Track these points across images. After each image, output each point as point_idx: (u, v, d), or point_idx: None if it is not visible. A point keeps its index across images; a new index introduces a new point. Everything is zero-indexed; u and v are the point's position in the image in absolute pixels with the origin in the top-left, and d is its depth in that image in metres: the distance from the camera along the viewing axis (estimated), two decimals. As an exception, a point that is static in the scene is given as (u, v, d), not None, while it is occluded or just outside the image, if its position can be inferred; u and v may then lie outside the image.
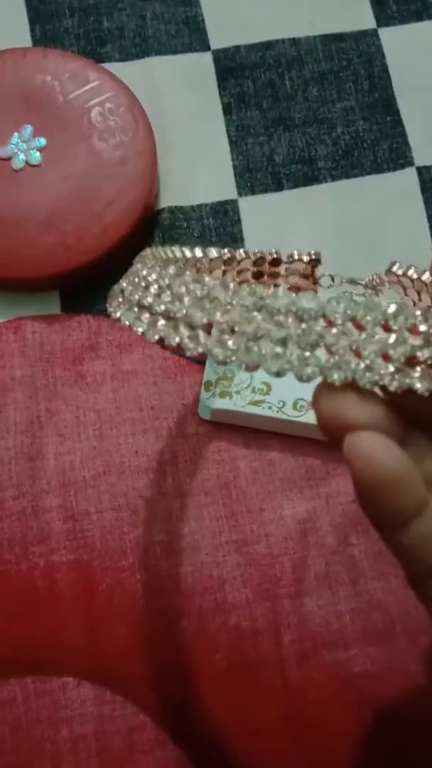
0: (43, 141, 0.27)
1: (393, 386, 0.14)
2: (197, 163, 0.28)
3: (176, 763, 0.23)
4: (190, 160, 0.29)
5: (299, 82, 0.30)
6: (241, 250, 0.22)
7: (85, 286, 0.27)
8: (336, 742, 0.23)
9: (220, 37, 0.30)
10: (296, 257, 0.23)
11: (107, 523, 0.24)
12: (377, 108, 0.29)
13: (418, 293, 0.21)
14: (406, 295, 0.22)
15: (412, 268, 0.21)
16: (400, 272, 0.22)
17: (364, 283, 0.23)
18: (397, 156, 0.29)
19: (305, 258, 0.23)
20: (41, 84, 0.28)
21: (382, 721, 0.23)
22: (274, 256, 0.23)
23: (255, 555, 0.24)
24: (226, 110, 0.29)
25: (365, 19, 0.31)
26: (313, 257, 0.23)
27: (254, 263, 0.23)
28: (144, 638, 0.23)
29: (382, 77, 0.30)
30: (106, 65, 0.29)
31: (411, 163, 0.29)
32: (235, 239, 0.28)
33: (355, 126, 0.29)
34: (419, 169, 0.29)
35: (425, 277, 0.21)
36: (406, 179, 0.29)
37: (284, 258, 0.23)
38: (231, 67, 0.30)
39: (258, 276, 0.23)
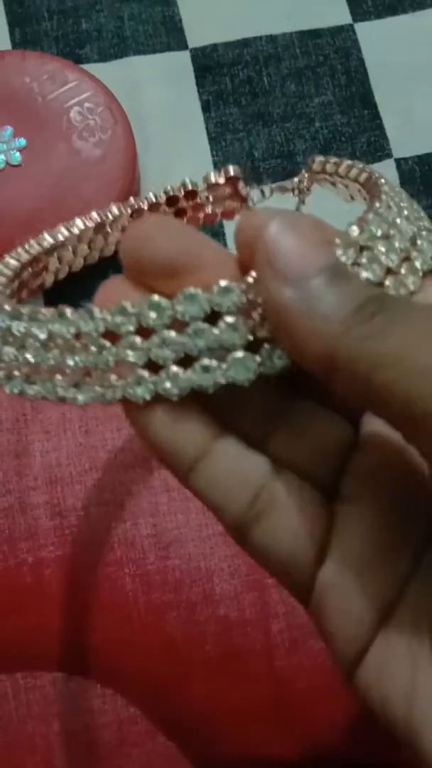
0: (23, 141, 0.27)
1: (176, 392, 0.12)
2: (177, 160, 0.29)
3: (167, 754, 0.23)
4: (169, 157, 0.29)
5: (277, 78, 0.30)
6: (150, 195, 0.21)
7: (68, 283, 0.27)
8: (325, 729, 0.23)
9: (198, 35, 0.31)
10: (213, 181, 0.21)
11: (94, 518, 0.25)
12: (354, 102, 0.30)
13: (346, 187, 0.20)
14: (336, 190, 0.20)
15: (331, 160, 0.20)
16: (319, 168, 0.20)
17: (291, 188, 0.21)
18: (376, 149, 0.29)
19: (221, 180, 0.21)
20: (20, 85, 0.28)
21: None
22: (189, 188, 0.21)
23: (242, 546, 0.24)
24: (205, 107, 0.30)
25: (341, 15, 0.31)
26: (231, 174, 0.21)
27: (168, 203, 0.21)
28: (133, 631, 0.24)
29: (359, 71, 0.30)
30: (86, 66, 0.29)
31: (389, 155, 0.29)
32: (215, 234, 0.28)
33: (333, 120, 0.30)
34: (397, 161, 0.29)
35: (343, 168, 0.19)
36: (385, 171, 0.29)
37: (200, 186, 0.21)
38: (209, 65, 0.30)
39: (180, 214, 0.21)
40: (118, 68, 0.30)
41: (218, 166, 0.29)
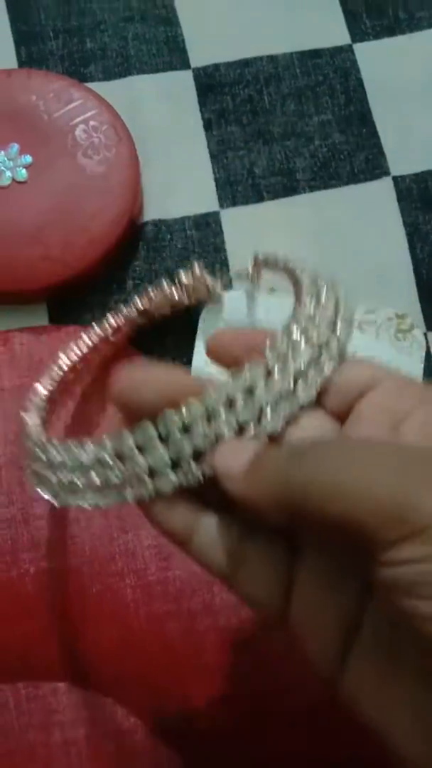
0: (29, 158, 0.28)
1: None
2: (179, 177, 0.30)
3: (169, 765, 0.23)
4: (172, 174, 0.30)
5: (277, 98, 0.31)
6: (114, 318, 0.26)
7: (72, 298, 0.28)
8: (324, 740, 0.23)
9: (200, 55, 0.32)
10: (168, 291, 0.26)
11: (96, 529, 0.25)
12: (353, 121, 0.31)
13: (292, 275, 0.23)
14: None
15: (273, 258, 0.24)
16: (264, 262, 0.25)
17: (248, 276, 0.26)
18: (373, 166, 0.30)
19: (176, 293, 0.26)
20: (26, 103, 0.29)
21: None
22: (152, 297, 0.26)
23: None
24: (207, 126, 0.31)
25: (340, 36, 0.32)
26: (182, 281, 0.26)
27: (141, 315, 0.27)
28: (133, 641, 0.24)
29: (357, 91, 0.31)
30: (90, 84, 0.30)
31: (387, 173, 0.30)
32: (217, 250, 0.29)
33: (332, 138, 0.31)
34: (395, 179, 0.30)
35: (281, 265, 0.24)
36: (383, 188, 0.30)
37: (162, 294, 0.27)
38: (211, 84, 0.31)
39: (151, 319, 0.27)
40: (121, 87, 0.31)
41: (219, 182, 0.30)
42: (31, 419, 0.22)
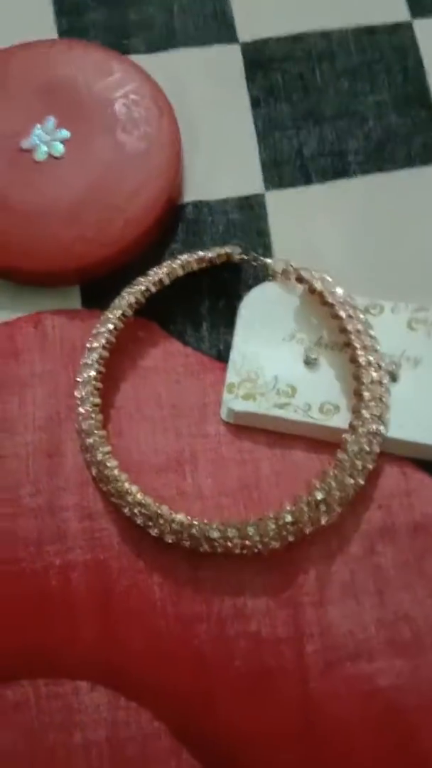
0: (66, 133, 0.27)
1: None
2: (223, 157, 0.29)
3: (191, 774, 0.22)
4: (215, 153, 0.29)
5: (330, 75, 0.30)
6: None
7: (107, 281, 0.27)
8: (357, 757, 0.22)
9: (249, 29, 0.30)
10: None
11: (125, 523, 0.24)
12: (411, 101, 0.29)
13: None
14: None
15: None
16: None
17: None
18: (431, 151, 0.29)
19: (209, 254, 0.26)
20: (65, 76, 0.28)
21: (407, 737, 0.23)
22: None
23: (276, 560, 0.24)
24: (254, 103, 0.29)
25: (399, 11, 0.31)
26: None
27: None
28: (160, 643, 0.23)
29: (417, 70, 0.30)
30: (132, 57, 0.29)
31: (445, 158, 0.29)
32: (261, 234, 0.28)
33: (387, 119, 0.29)
34: (454, 164, 0.29)
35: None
36: (440, 174, 0.28)
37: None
38: (259, 59, 0.30)
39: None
40: (164, 60, 0.30)
41: (265, 163, 0.29)
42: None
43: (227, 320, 0.27)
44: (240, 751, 0.23)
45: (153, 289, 0.25)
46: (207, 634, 0.23)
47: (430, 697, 0.23)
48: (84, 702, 0.23)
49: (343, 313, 0.24)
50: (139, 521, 0.23)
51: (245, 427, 0.26)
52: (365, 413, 0.23)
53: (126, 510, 0.24)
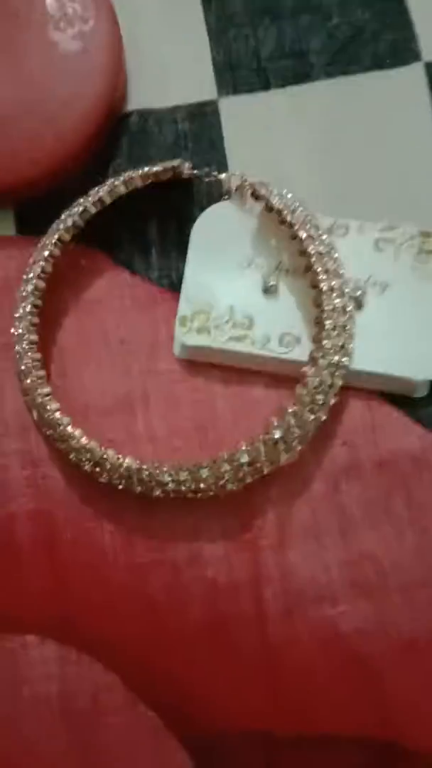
0: (-11, 32, 0.24)
1: None
2: (171, 59, 0.26)
3: (149, 725, 0.22)
4: (162, 55, 0.26)
5: (290, -38, 0.26)
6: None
7: (44, 204, 0.24)
8: (320, 703, 0.22)
9: None
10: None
11: (71, 469, 0.23)
12: (380, -8, 0.26)
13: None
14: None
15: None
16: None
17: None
18: (402, 49, 0.26)
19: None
20: (-13, -36, 0.25)
21: (372, 681, 0.22)
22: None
23: (234, 502, 0.22)
24: (205, -3, 0.26)
25: None
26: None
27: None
28: (111, 593, 0.22)
29: None
30: None
31: (417, 58, 0.26)
32: (214, 146, 0.25)
33: (353, 15, 0.26)
34: (427, 65, 0.26)
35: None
36: (412, 76, 0.26)
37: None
38: None
39: None
40: None
41: (218, 66, 0.26)
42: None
43: (179, 246, 0.24)
44: (198, 701, 0.22)
45: (92, 209, 0.23)
46: (160, 581, 0.22)
47: (395, 640, 0.22)
48: (33, 656, 0.22)
49: (303, 234, 0.22)
50: (86, 467, 0.22)
51: (200, 363, 0.24)
52: (327, 343, 0.22)
53: (72, 456, 0.22)
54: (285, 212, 0.22)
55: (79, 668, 0.22)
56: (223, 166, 0.25)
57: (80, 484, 0.23)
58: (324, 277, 0.22)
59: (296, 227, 0.22)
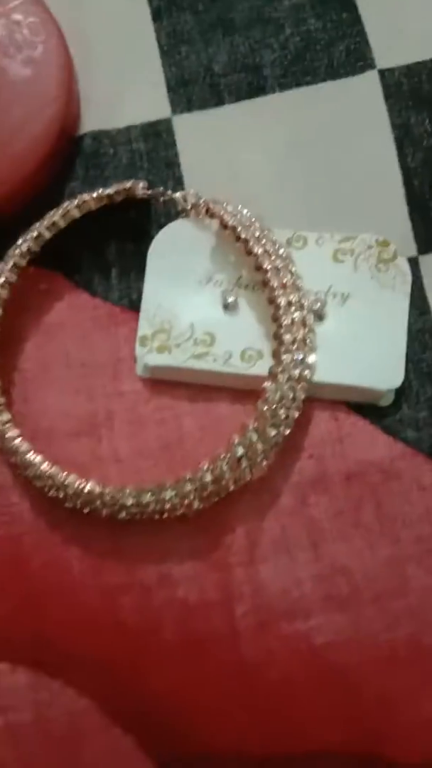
0: None
1: None
2: (123, 79, 0.26)
3: (126, 749, 0.22)
4: (114, 75, 0.26)
5: (239, -24, 0.26)
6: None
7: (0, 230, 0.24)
8: (300, 717, 0.22)
9: None
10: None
11: (37, 495, 0.23)
12: (331, 3, 0.26)
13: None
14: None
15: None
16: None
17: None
18: (356, 58, 0.26)
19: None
20: None
21: (350, 693, 0.22)
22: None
23: (203, 521, 0.22)
24: (155, 15, 0.26)
25: None
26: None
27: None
28: (83, 618, 0.22)
29: (336, -36, 0.27)
30: (14, -32, 0.26)
31: (372, 66, 0.26)
32: (170, 165, 0.25)
33: (306, 25, 0.26)
34: (381, 72, 0.26)
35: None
36: (367, 84, 0.26)
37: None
38: (160, -38, 0.27)
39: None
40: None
41: (170, 83, 0.26)
42: None
43: (138, 265, 0.24)
44: (175, 722, 0.22)
45: (47, 234, 0.23)
46: (132, 604, 0.22)
47: (371, 651, 0.22)
48: (5, 685, 0.22)
49: (258, 249, 0.22)
50: (51, 493, 0.22)
51: (164, 382, 0.24)
52: (286, 358, 0.22)
53: (37, 482, 0.22)
54: (239, 229, 0.22)
55: (52, 694, 0.22)
56: (179, 184, 0.25)
57: (47, 510, 0.23)
58: (280, 292, 0.22)
59: (251, 243, 0.22)
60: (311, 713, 0.22)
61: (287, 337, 0.22)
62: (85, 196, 0.23)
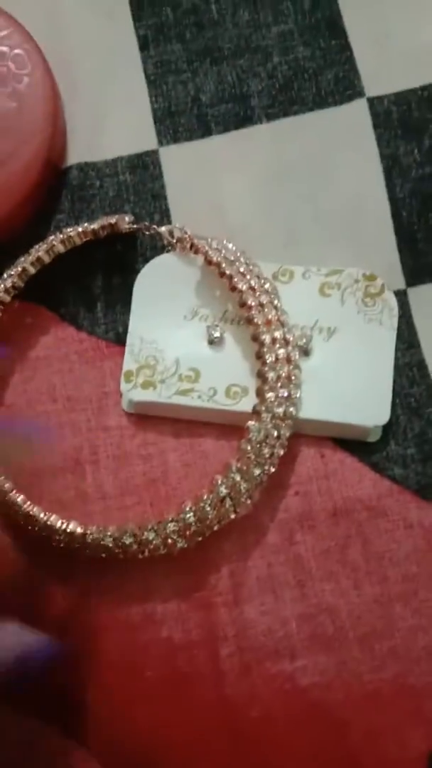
0: None
1: None
2: (110, 110, 0.26)
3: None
4: (101, 107, 0.26)
5: (226, 6, 0.26)
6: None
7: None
8: (286, 758, 0.21)
9: None
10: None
11: (20, 534, 0.22)
12: (320, 30, 0.26)
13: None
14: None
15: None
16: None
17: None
18: (345, 86, 0.26)
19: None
20: None
21: (336, 732, 0.22)
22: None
23: (187, 560, 0.22)
24: (143, 45, 0.26)
25: None
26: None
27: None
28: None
29: (325, -8, 0.26)
30: (1, -2, 0.26)
31: (361, 94, 0.26)
32: (157, 197, 0.25)
33: (294, 53, 0.26)
34: (370, 101, 0.26)
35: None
36: (356, 113, 0.26)
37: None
38: (147, -9, 0.27)
39: None
40: (35, 1, 0.26)
41: (157, 114, 0.26)
42: None
43: (124, 298, 0.24)
44: (160, 762, 0.22)
45: (32, 269, 0.23)
46: (115, 644, 0.22)
47: (356, 691, 0.22)
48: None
49: (242, 286, 0.22)
50: (33, 533, 0.22)
51: (149, 417, 0.24)
52: (270, 396, 0.21)
53: (20, 521, 0.22)
54: (224, 265, 0.22)
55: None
56: (166, 217, 0.25)
57: (30, 550, 0.22)
58: (265, 329, 0.22)
59: (235, 279, 0.22)
60: (294, 752, 0.22)
61: (271, 375, 0.21)
62: (70, 231, 0.23)
